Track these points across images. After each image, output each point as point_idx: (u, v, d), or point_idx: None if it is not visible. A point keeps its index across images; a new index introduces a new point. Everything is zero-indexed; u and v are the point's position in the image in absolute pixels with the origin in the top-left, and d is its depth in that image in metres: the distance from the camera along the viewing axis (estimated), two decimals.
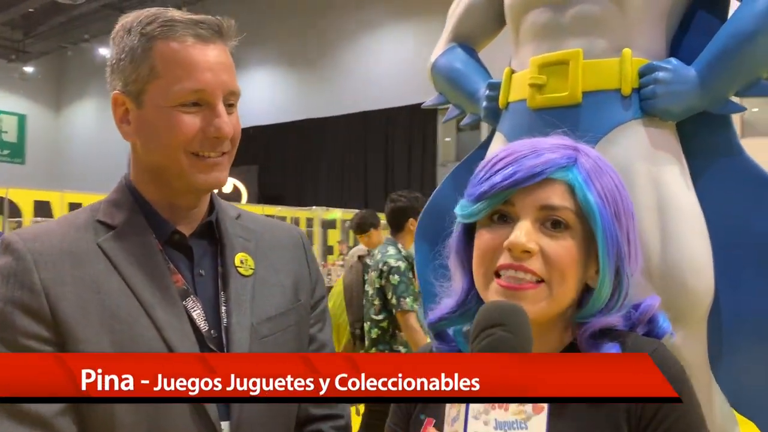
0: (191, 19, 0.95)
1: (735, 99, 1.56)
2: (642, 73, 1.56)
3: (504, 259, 0.78)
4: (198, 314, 0.95)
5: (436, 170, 16.73)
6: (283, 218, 15.68)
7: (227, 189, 19.74)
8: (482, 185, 0.81)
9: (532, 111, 1.66)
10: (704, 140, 1.61)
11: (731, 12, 1.64)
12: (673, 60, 1.56)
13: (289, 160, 19.79)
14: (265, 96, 21.05)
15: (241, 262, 1.01)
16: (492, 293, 0.78)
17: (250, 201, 18.83)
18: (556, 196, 0.77)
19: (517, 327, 0.65)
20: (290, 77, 21.01)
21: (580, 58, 1.58)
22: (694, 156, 1.61)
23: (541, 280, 0.76)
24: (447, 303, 0.91)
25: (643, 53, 1.59)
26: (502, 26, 2.00)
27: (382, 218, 4.12)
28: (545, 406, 0.61)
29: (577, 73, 1.58)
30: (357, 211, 5.50)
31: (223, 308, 0.98)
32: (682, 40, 1.66)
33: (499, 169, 0.80)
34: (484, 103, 1.84)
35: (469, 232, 0.88)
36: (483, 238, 0.82)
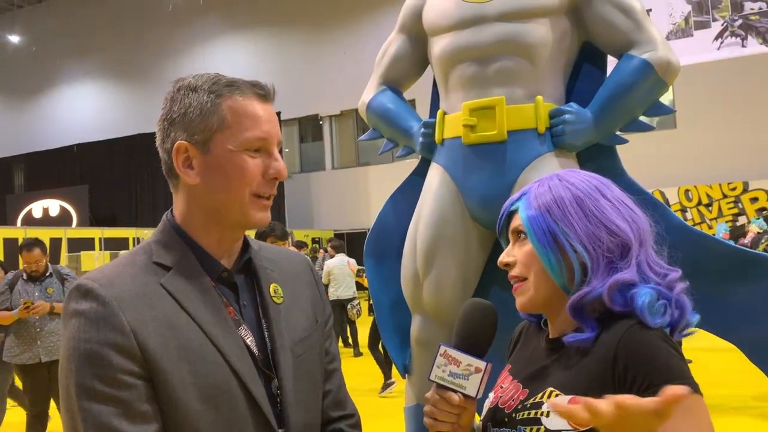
0: (247, 81, 1.11)
1: (619, 133, 2.02)
2: (552, 115, 1.98)
3: None
4: (251, 341, 1.11)
5: (282, 183, 16.70)
6: (122, 239, 14.69)
7: (54, 213, 18.16)
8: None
9: (467, 146, 2.01)
10: (597, 165, 2.06)
11: (609, 62, 2.12)
12: (574, 104, 1.99)
13: (121, 179, 18.43)
14: (91, 110, 19.67)
15: (275, 291, 1.18)
16: None
17: (81, 224, 17.51)
18: (516, 220, 1.09)
19: (469, 315, 1.05)
20: (119, 90, 19.61)
21: (504, 103, 1.96)
22: None
23: (524, 278, 1.06)
24: None
25: (550, 98, 2.00)
26: (422, 72, 2.33)
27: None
28: (483, 368, 0.94)
29: (503, 116, 1.95)
30: None
31: (266, 333, 1.15)
32: (573, 86, 2.11)
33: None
34: (421, 139, 2.16)
35: None
36: None
